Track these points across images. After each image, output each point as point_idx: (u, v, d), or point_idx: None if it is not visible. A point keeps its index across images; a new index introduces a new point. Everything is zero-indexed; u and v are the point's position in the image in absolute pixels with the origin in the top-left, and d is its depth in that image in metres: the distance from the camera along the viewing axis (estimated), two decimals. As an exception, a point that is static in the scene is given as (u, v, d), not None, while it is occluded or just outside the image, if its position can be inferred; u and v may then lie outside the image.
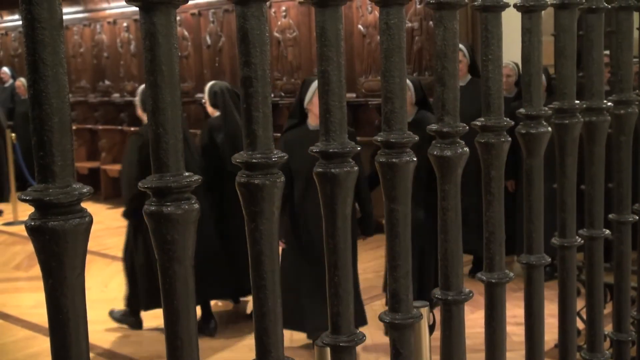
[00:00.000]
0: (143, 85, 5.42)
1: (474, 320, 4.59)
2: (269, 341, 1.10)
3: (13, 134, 9.22)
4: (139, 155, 4.65)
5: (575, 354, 1.90)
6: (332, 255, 1.19)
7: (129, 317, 5.14)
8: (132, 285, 5.08)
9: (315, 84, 4.54)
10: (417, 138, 1.27)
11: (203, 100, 5.38)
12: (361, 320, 4.63)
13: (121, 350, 4.83)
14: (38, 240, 0.85)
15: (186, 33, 10.80)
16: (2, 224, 9.02)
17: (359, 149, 1.19)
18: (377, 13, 7.18)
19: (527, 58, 1.61)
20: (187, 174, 0.96)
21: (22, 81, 11.28)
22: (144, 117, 4.77)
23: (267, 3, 1.06)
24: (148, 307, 4.96)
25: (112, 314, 5.25)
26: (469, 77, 5.80)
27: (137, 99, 5.08)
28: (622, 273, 2.08)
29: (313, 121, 4.53)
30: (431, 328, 1.59)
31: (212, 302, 5.30)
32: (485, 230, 1.56)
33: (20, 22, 0.87)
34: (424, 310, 1.53)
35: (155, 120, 0.94)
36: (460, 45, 5.57)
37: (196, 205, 0.96)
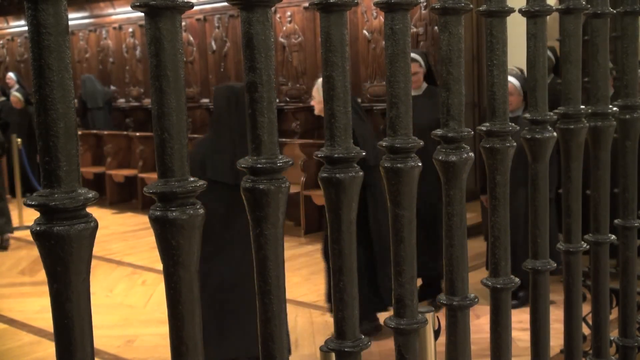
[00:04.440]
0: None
1: (480, 325, 4.58)
2: (274, 346, 1.10)
3: (19, 139, 9.24)
4: None
5: (581, 360, 1.90)
6: (337, 260, 1.19)
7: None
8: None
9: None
10: (422, 143, 1.27)
11: None
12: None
13: (126, 355, 4.83)
14: (43, 245, 0.85)
15: (191, 38, 10.84)
16: (8, 229, 9.04)
17: (363, 154, 1.19)
18: (382, 18, 7.17)
19: (532, 63, 1.61)
20: (192, 179, 0.96)
21: (17, 96, 11.07)
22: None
23: (272, 8, 1.06)
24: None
25: None
26: (425, 85, 5.45)
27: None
28: (628, 278, 2.08)
29: None
30: (436, 333, 1.58)
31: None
32: (491, 235, 1.56)
33: (26, 28, 0.88)
34: (429, 316, 1.52)
35: (161, 125, 0.94)
36: (414, 55, 5.30)
37: (201, 211, 0.96)
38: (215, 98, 4.07)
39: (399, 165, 1.24)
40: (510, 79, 5.27)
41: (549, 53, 6.11)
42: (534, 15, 1.58)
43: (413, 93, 5.03)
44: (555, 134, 1.65)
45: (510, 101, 5.23)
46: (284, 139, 8.57)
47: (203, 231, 0.97)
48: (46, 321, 5.31)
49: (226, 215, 3.86)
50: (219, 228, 3.83)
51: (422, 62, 5.43)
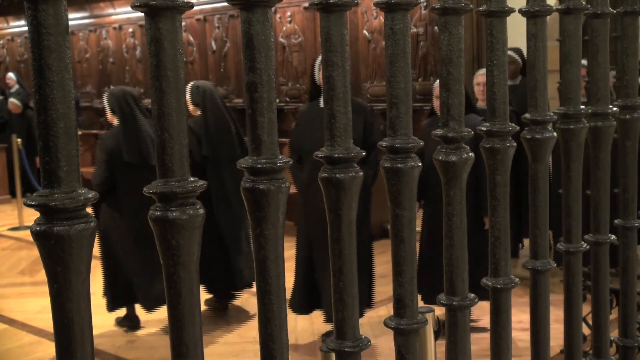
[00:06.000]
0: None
1: (479, 325, 4.58)
2: (274, 346, 1.10)
3: (19, 140, 9.24)
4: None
5: (581, 360, 1.90)
6: (337, 260, 1.19)
7: None
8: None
9: (319, 59, 4.64)
10: (421, 143, 1.27)
11: None
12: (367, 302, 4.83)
13: (126, 355, 4.83)
14: (43, 245, 0.85)
15: (191, 38, 10.83)
16: (8, 229, 9.04)
17: (363, 154, 1.19)
18: (382, 18, 7.17)
19: (532, 63, 1.61)
20: (192, 179, 0.96)
21: (14, 103, 11.08)
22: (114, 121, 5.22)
23: (272, 8, 1.06)
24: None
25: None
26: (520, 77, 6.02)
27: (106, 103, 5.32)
28: (628, 278, 2.08)
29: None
30: (437, 333, 1.58)
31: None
32: (491, 235, 1.56)
33: (26, 28, 0.88)
34: (429, 316, 1.52)
35: (161, 125, 0.94)
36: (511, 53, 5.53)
37: (201, 211, 0.96)
38: (116, 98, 5.12)
39: (399, 165, 1.24)
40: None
41: (516, 56, 6.12)
42: (534, 15, 1.58)
43: None
44: (555, 134, 1.65)
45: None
46: (284, 139, 8.56)
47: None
48: (46, 321, 5.31)
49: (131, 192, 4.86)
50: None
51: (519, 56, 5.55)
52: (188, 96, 5.40)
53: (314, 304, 4.81)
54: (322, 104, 4.55)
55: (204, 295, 5.55)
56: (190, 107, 5.43)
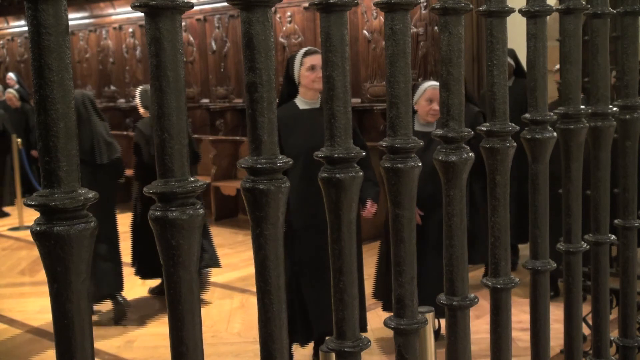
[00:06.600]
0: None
1: (480, 325, 4.59)
2: (274, 347, 1.10)
3: (19, 140, 9.24)
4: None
5: (581, 360, 1.90)
6: (337, 260, 1.19)
7: None
8: None
9: (300, 54, 4.30)
10: (421, 143, 1.27)
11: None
12: (362, 326, 4.52)
13: (126, 355, 4.83)
14: (43, 245, 0.85)
15: (191, 38, 10.83)
16: (8, 229, 9.04)
17: (363, 154, 1.19)
18: (382, 18, 7.11)
19: (532, 63, 1.61)
20: (192, 179, 0.96)
21: (12, 92, 10.95)
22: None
23: (272, 8, 1.06)
24: None
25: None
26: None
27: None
28: (628, 278, 2.08)
29: (305, 96, 4.26)
30: (436, 333, 1.58)
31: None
32: (491, 235, 1.56)
33: (26, 28, 0.88)
34: (429, 316, 1.52)
35: (160, 126, 0.94)
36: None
37: (201, 211, 0.96)
38: (74, 100, 5.28)
39: (398, 165, 1.24)
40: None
41: (508, 57, 5.98)
42: (534, 15, 1.58)
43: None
44: (555, 134, 1.66)
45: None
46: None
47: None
48: (46, 321, 5.31)
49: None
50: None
51: None
52: (138, 99, 5.89)
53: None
54: (300, 106, 4.27)
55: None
56: (141, 110, 5.89)
